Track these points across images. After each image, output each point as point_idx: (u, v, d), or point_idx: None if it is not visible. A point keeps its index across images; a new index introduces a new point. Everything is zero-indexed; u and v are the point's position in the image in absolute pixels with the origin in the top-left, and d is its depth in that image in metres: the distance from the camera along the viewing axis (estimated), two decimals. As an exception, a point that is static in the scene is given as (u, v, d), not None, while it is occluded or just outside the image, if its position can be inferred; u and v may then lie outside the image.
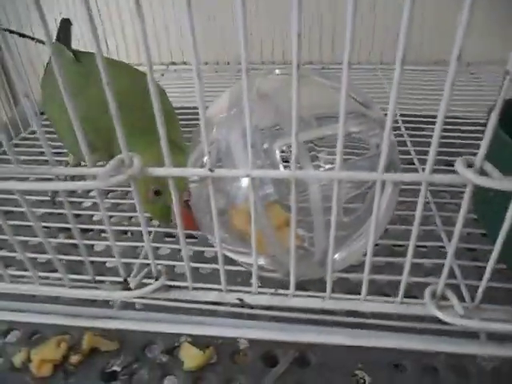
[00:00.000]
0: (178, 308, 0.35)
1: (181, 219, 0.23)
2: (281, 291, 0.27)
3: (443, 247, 0.39)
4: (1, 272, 0.27)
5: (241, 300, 0.26)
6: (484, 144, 0.19)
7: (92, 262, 0.28)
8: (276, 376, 0.36)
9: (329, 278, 0.25)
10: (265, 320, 0.36)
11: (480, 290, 0.24)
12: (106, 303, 0.38)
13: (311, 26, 0.72)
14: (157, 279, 0.27)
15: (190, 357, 0.36)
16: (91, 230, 0.48)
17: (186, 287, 0.27)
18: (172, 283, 0.27)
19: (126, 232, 0.48)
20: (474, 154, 0.20)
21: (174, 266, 0.42)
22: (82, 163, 0.45)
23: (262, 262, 0.29)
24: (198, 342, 0.37)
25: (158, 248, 0.44)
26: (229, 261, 0.33)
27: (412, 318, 0.32)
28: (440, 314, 0.24)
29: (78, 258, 0.38)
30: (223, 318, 0.36)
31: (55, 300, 0.37)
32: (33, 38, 0.47)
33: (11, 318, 0.36)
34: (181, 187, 0.31)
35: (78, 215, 0.50)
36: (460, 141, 0.53)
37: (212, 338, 0.37)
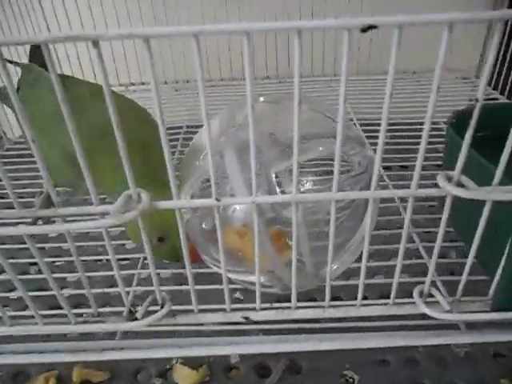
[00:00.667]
0: (165, 332, 0.36)
1: (188, 251, 0.25)
2: (282, 304, 0.29)
3: (417, 249, 0.42)
4: (0, 315, 0.27)
5: (246, 318, 0.28)
6: (460, 160, 0.22)
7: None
8: (271, 385, 0.37)
9: (328, 288, 0.27)
10: (252, 334, 0.37)
11: (460, 286, 0.27)
12: (89, 335, 0.38)
13: (268, 42, 0.75)
14: (162, 306, 0.28)
15: (184, 378, 0.37)
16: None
17: (191, 311, 0.28)
18: (177, 307, 0.28)
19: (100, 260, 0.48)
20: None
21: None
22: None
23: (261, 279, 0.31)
24: (190, 361, 0.37)
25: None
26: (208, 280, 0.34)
27: (393, 316, 0.35)
28: (429, 311, 0.26)
29: (80, 292, 0.38)
30: (211, 337, 0.37)
31: (35, 338, 0.36)
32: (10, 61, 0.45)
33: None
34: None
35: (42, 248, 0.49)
36: (413, 146, 0.58)
37: (203, 356, 0.37)
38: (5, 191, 0.56)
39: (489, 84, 0.76)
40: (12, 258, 0.46)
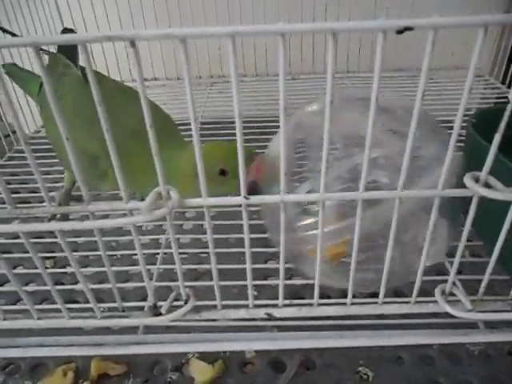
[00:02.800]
0: (181, 326, 0.36)
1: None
2: (305, 301, 0.29)
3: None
4: (29, 308, 0.27)
5: (269, 314, 0.28)
6: (489, 160, 0.22)
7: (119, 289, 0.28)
8: (286, 380, 0.37)
9: (350, 285, 0.27)
10: (267, 329, 0.38)
11: (482, 285, 0.27)
12: (107, 329, 0.39)
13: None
14: (186, 302, 0.28)
15: (201, 372, 0.37)
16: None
17: (214, 306, 0.29)
18: (200, 303, 0.28)
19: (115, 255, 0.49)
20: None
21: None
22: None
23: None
24: (206, 356, 0.38)
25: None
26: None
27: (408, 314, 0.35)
28: (451, 310, 0.27)
29: (103, 286, 0.39)
30: (227, 332, 0.37)
31: (51, 331, 0.37)
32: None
33: (11, 355, 0.36)
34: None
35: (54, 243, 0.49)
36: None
37: (219, 351, 0.38)
38: (20, 186, 0.57)
39: (503, 82, 0.75)
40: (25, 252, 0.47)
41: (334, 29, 0.18)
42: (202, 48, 0.75)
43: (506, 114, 0.20)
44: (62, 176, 0.57)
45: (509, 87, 0.72)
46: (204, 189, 0.23)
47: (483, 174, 0.22)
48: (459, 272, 0.38)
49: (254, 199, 0.23)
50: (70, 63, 0.40)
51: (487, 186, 0.23)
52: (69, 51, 0.41)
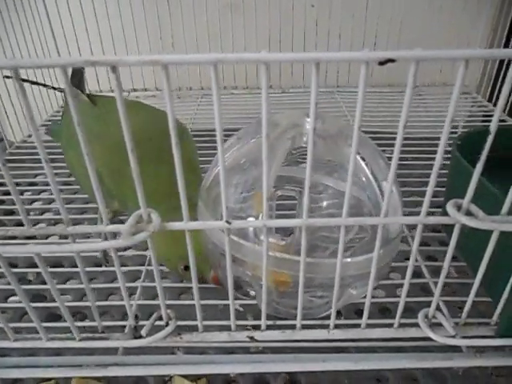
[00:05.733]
0: (162, 347, 0.36)
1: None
2: (287, 322, 0.29)
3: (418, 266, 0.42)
4: (5, 329, 0.26)
5: (251, 338, 0.28)
6: (470, 189, 0.22)
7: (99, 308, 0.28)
8: (270, 400, 0.37)
9: (333, 311, 0.27)
10: (253, 349, 0.37)
11: (465, 310, 0.27)
12: (87, 349, 0.38)
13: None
14: (167, 324, 0.27)
15: (183, 390, 0.37)
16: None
17: (195, 327, 0.28)
18: (181, 323, 0.28)
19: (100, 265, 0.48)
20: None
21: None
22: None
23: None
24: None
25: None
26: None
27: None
28: (433, 336, 0.27)
29: (85, 304, 0.38)
30: (209, 354, 0.37)
31: (32, 350, 0.36)
32: (50, 86, 0.48)
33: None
34: (204, 269, 0.33)
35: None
36: (412, 161, 0.59)
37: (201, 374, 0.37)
38: (5, 197, 0.56)
39: (489, 100, 0.76)
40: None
41: (318, 59, 0.18)
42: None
43: (487, 146, 0.21)
44: (46, 188, 0.57)
45: (495, 105, 0.73)
46: (186, 212, 0.23)
47: (465, 202, 0.22)
48: (446, 285, 0.38)
49: (236, 223, 0.23)
50: (79, 92, 0.43)
51: (469, 213, 0.23)
52: (78, 83, 0.46)
